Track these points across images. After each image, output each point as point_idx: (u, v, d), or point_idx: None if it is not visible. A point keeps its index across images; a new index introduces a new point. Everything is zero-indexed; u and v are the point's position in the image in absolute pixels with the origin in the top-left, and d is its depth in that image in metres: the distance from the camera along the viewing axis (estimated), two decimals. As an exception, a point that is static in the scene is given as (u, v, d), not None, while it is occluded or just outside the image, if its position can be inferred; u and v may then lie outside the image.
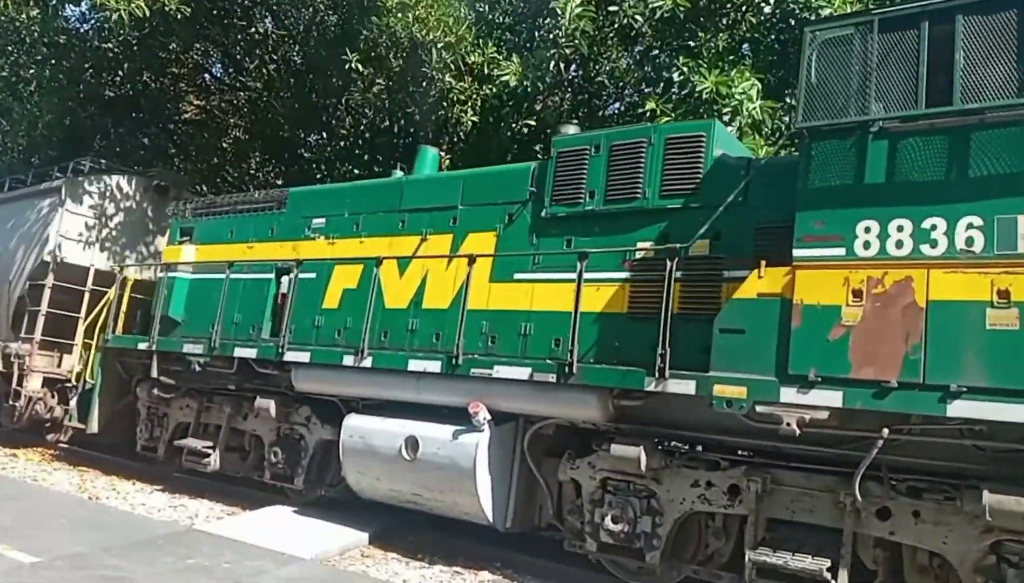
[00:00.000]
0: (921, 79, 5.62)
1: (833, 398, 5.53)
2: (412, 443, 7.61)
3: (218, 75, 19.81)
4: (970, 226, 5.29)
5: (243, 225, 10.79)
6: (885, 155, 5.69)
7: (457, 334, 7.70)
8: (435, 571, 7.31)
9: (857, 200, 5.73)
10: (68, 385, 12.12)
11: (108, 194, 13.48)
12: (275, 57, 17.53)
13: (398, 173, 10.84)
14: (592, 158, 7.76)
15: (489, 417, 7.26)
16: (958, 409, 5.09)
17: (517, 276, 7.97)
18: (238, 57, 18.28)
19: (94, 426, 11.06)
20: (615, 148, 7.64)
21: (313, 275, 9.63)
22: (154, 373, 10.42)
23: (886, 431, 5.39)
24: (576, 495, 7.29)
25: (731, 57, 11.41)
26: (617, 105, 15.20)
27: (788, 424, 5.65)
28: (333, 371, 8.58)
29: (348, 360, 8.45)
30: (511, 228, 8.24)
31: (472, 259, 7.87)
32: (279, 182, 17.92)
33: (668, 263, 6.47)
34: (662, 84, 12.38)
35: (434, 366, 7.79)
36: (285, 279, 9.99)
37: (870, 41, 5.83)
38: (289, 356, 8.99)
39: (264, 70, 17.77)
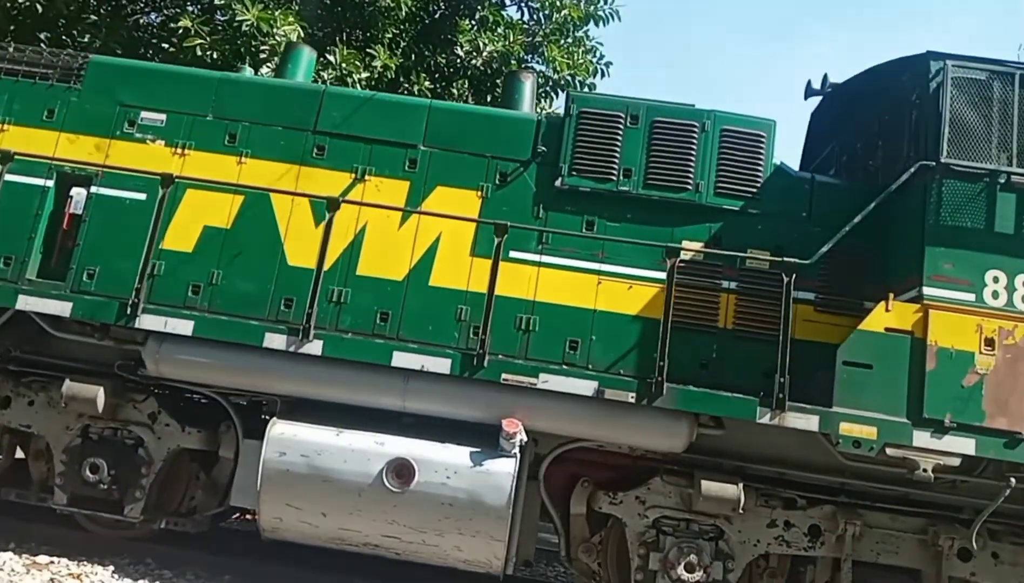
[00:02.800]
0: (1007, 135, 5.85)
1: (966, 445, 5.43)
2: (400, 469, 5.50)
3: None
4: (1077, 290, 5.67)
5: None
6: (1013, 207, 5.79)
7: (483, 324, 5.79)
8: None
9: (986, 247, 5.74)
10: None
11: None
12: None
13: (247, 71, 7.92)
14: (628, 130, 6.53)
15: (525, 439, 5.61)
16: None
17: (514, 255, 6.32)
18: None
19: None
20: (658, 125, 6.53)
21: (142, 196, 6.47)
22: None
23: (1013, 480, 5.48)
24: (589, 532, 6.08)
25: None
26: (154, 15, 13.29)
27: (925, 469, 5.40)
28: (244, 355, 5.81)
29: (275, 341, 5.80)
30: (505, 192, 6.53)
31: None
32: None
33: (785, 278, 5.70)
34: (200, 6, 11.69)
35: (439, 364, 5.74)
36: (78, 192, 6.56)
37: (1010, 92, 5.87)
38: (149, 322, 5.84)
39: None
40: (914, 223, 5.84)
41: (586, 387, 5.68)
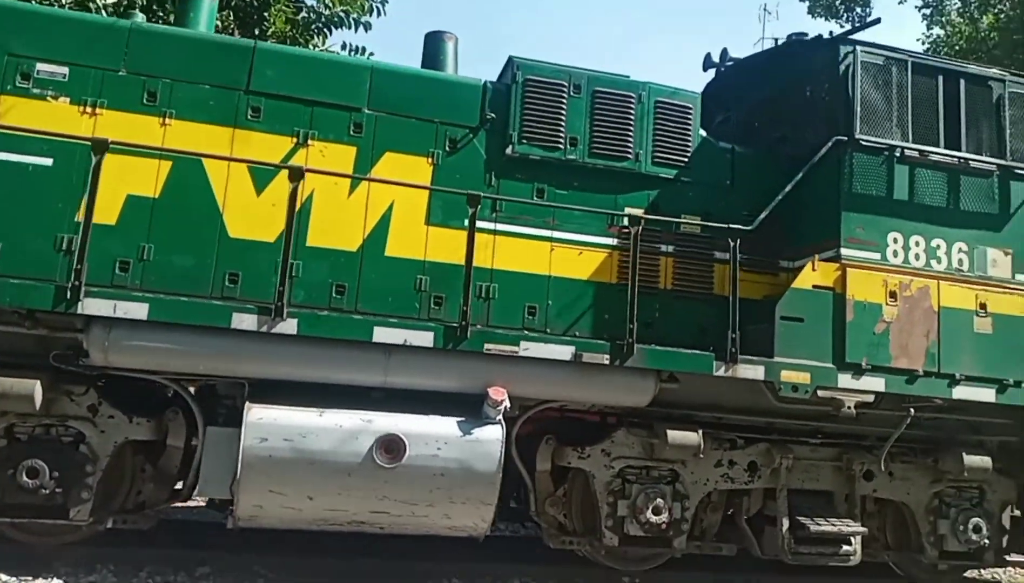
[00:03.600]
0: (911, 121, 6.80)
1: (878, 384, 6.35)
2: (390, 444, 5.44)
3: None
4: (960, 250, 6.75)
5: None
6: (907, 177, 6.71)
7: (464, 296, 5.77)
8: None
9: (887, 212, 6.63)
10: None
11: None
12: None
13: (138, 16, 7.11)
14: (572, 99, 6.71)
15: (509, 406, 5.76)
16: (958, 393, 6.53)
17: (478, 222, 6.32)
18: None
19: None
20: (599, 95, 6.76)
21: (46, 161, 5.72)
22: None
23: (912, 410, 6.49)
24: (554, 487, 6.40)
25: None
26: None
27: (848, 407, 6.27)
28: (207, 338, 5.38)
29: (245, 322, 5.41)
30: (456, 158, 6.49)
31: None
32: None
33: (731, 243, 6.23)
34: None
35: (422, 338, 5.66)
36: None
37: (905, 76, 6.74)
38: (94, 306, 5.20)
39: None
40: (831, 191, 6.59)
41: (564, 352, 5.90)
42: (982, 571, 7.89)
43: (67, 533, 5.59)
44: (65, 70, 5.88)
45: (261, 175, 6.03)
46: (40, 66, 5.84)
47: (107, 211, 5.73)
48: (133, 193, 5.83)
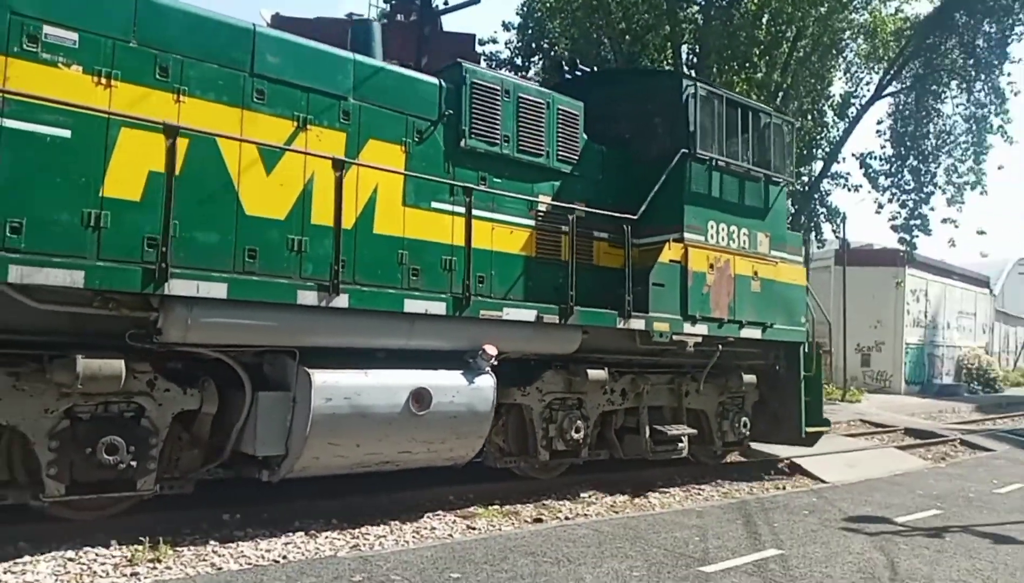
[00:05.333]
0: (721, 140, 9.52)
1: (704, 329, 9.03)
2: (421, 395, 6.60)
3: None
4: (744, 234, 9.69)
5: None
6: (718, 181, 9.39)
7: (464, 271, 6.97)
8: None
9: (707, 206, 9.25)
10: None
11: None
12: None
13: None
14: (504, 103, 8.10)
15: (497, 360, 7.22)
16: (744, 333, 9.52)
17: (435, 205, 7.53)
18: None
19: None
20: (522, 100, 8.25)
21: (65, 133, 5.65)
22: None
23: (720, 347, 9.30)
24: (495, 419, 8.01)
25: None
26: None
27: (691, 347, 8.85)
28: (275, 312, 5.90)
29: (307, 297, 6.04)
30: (422, 148, 7.53)
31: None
32: None
33: (626, 228, 8.29)
34: None
35: (437, 307, 6.78)
36: None
37: (720, 106, 9.34)
38: (179, 287, 5.43)
39: None
40: (677, 190, 8.97)
41: (530, 315, 7.49)
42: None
43: (114, 505, 5.75)
44: (75, 36, 5.67)
45: (269, 156, 6.49)
46: (47, 29, 5.56)
47: (129, 185, 5.80)
48: (155, 170, 5.90)
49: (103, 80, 5.76)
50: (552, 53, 23.26)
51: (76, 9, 5.68)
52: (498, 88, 8.04)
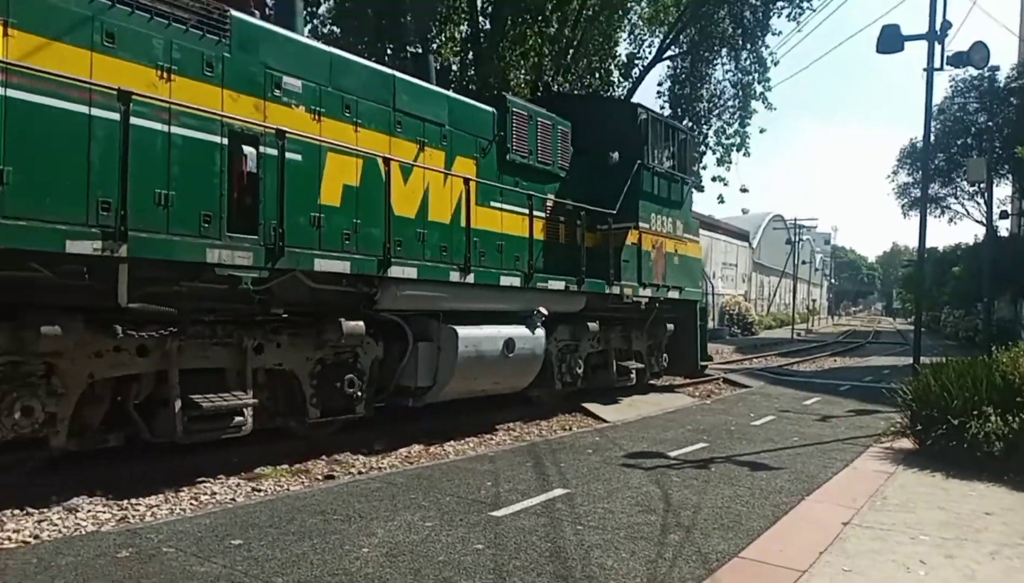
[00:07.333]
0: (659, 152, 12.87)
1: (649, 292, 12.43)
2: (509, 343, 9.36)
3: None
4: (670, 221, 13.16)
5: (140, 35, 6.45)
6: (658, 184, 12.75)
7: (530, 254, 9.73)
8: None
9: (652, 201, 12.60)
10: None
11: None
12: None
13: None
14: (529, 124, 10.84)
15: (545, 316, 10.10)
16: (670, 295, 13.06)
17: (492, 204, 10.20)
18: None
19: None
20: (540, 123, 11.03)
21: (298, 157, 7.80)
22: (122, 300, 5.66)
23: (657, 304, 12.76)
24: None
25: None
26: None
27: (643, 305, 12.23)
28: (437, 286, 8.38)
29: (455, 276, 8.56)
30: (485, 161, 10.11)
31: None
32: None
33: (611, 221, 11.41)
34: None
35: (515, 281, 9.51)
36: (251, 151, 7.39)
37: (666, 130, 12.67)
38: (394, 271, 7.78)
39: None
40: (635, 191, 12.19)
41: (561, 285, 10.42)
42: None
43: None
44: (299, 83, 7.70)
45: (405, 170, 8.80)
46: (286, 79, 7.56)
47: (334, 195, 7.97)
48: (346, 183, 8.08)
49: (315, 117, 7.84)
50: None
51: (299, 63, 7.68)
52: (526, 114, 10.74)
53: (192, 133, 6.65)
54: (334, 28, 21.16)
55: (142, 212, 6.08)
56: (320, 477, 7.07)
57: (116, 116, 5.91)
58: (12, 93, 5.50)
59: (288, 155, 7.38)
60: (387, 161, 8.13)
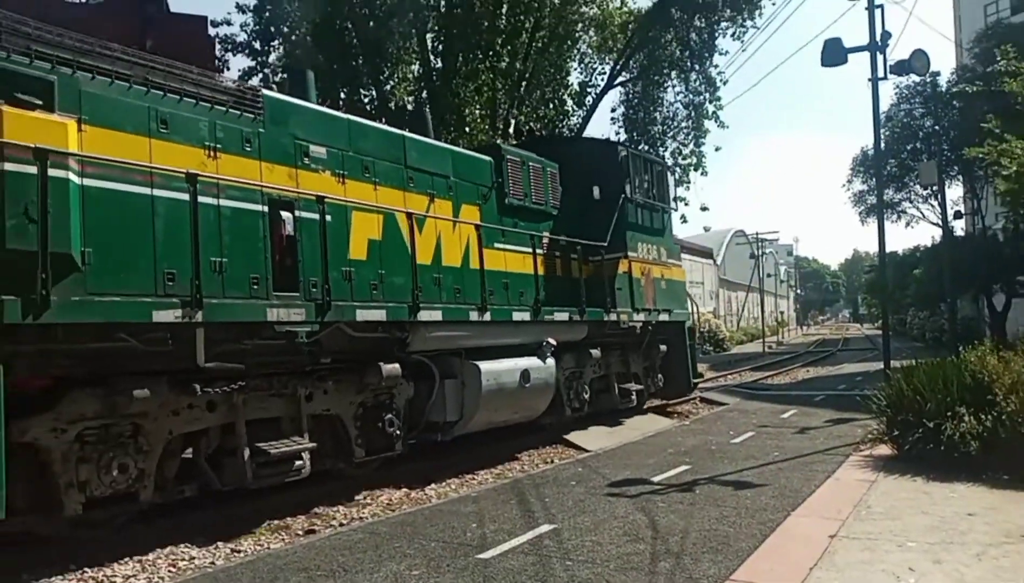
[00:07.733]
0: (640, 184, 13.77)
1: (643, 316, 13.23)
2: (525, 374, 10.06)
3: None
4: (654, 249, 14.03)
5: (188, 120, 7.12)
6: (639, 214, 13.61)
7: (535, 291, 10.46)
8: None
9: (638, 231, 13.46)
10: None
11: None
12: None
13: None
14: (523, 169, 11.65)
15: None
16: (661, 317, 13.89)
17: (496, 245, 10.93)
18: None
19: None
20: (532, 167, 11.85)
21: (328, 218, 8.45)
22: (200, 360, 6.28)
23: (649, 328, 13.56)
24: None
25: None
26: None
27: (638, 329, 13.02)
28: (460, 326, 9.07)
29: (474, 315, 9.27)
30: (487, 206, 10.87)
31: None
32: None
33: (604, 252, 12.22)
34: None
35: (525, 316, 10.24)
36: (288, 216, 8.05)
37: (646, 166, 13.59)
38: (423, 315, 8.48)
39: None
40: (622, 222, 13.03)
41: (565, 316, 11.16)
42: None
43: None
44: (324, 150, 8.41)
45: (419, 221, 9.51)
46: (312, 148, 8.26)
47: (360, 250, 8.65)
48: (370, 237, 8.77)
49: (340, 180, 8.54)
50: (293, 37, 22.66)
51: (323, 131, 8.40)
52: (519, 160, 11.56)
53: (238, 204, 7.30)
54: (284, 76, 21.24)
55: (205, 280, 6.71)
56: (300, 532, 6.96)
57: (176, 194, 6.57)
58: (88, 182, 6.13)
59: (329, 218, 8.09)
60: (409, 215, 8.85)
